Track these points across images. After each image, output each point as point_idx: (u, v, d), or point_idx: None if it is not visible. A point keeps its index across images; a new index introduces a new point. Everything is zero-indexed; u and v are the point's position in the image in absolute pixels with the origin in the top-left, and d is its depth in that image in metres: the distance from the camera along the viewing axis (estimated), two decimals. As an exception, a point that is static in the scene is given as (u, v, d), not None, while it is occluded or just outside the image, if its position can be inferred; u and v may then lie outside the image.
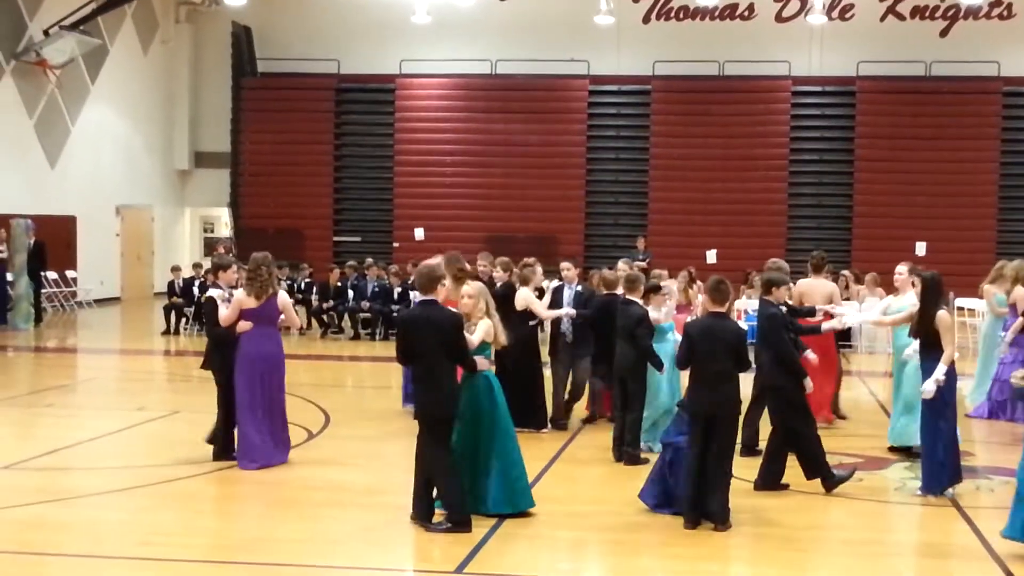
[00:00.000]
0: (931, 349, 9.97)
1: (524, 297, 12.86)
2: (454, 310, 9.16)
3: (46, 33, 26.79)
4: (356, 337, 22.44)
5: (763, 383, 10.64)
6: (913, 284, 10.51)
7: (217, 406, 11.12)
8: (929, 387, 9.84)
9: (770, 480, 10.17)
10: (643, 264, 24.63)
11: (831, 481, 10.08)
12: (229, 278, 11.35)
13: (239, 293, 10.93)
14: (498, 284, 13.76)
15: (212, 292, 11.21)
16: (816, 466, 10.11)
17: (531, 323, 12.83)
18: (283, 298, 11.13)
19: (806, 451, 10.13)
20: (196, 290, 22.89)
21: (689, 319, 11.42)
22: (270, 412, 10.89)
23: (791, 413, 10.09)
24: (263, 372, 10.83)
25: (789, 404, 10.10)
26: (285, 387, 11.13)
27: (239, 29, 32.87)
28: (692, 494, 8.94)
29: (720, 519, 8.87)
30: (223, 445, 11.08)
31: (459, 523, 8.71)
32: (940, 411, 9.92)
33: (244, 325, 10.82)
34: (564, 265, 13.60)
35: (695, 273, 22.77)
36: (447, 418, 8.81)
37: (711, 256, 29.66)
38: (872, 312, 11.70)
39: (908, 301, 11.22)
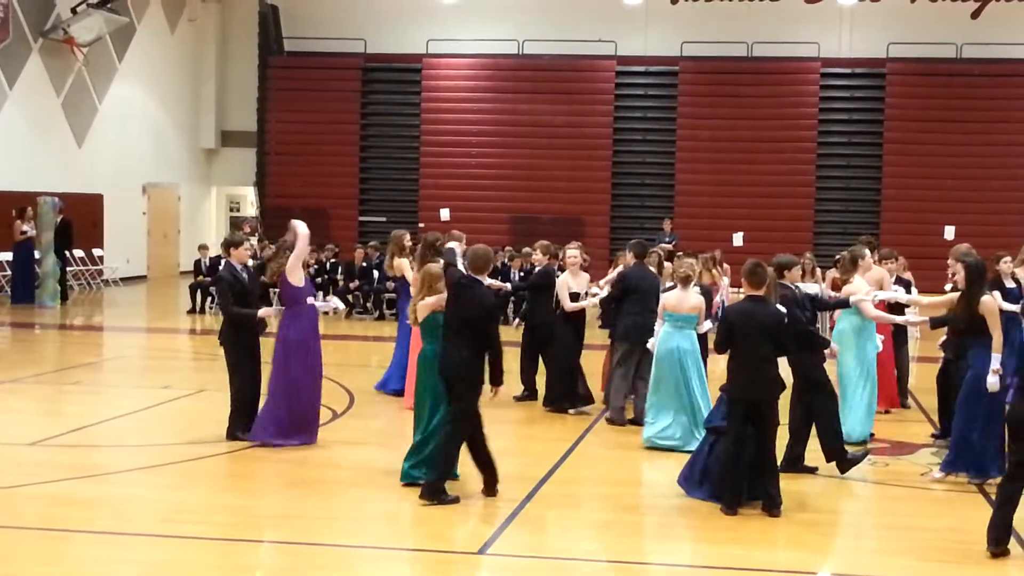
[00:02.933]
0: (977, 336, 9.77)
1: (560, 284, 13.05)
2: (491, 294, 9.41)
3: (74, 11, 26.84)
4: (381, 317, 22.43)
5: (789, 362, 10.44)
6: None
7: (230, 385, 11.05)
8: (992, 380, 9.54)
9: (794, 462, 10.07)
10: (669, 246, 24.60)
11: (845, 463, 9.99)
12: (242, 256, 11.11)
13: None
14: (537, 269, 13.83)
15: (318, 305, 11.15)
16: (833, 446, 10.02)
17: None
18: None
19: (824, 429, 10.05)
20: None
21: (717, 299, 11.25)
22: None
23: (809, 389, 10.00)
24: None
25: (807, 380, 10.00)
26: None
27: (266, 8, 32.86)
28: (733, 478, 8.88)
29: (776, 503, 8.84)
30: (244, 424, 10.98)
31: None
32: (980, 396, 9.76)
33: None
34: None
35: (719, 257, 22.78)
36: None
37: (738, 239, 29.52)
38: (909, 296, 11.46)
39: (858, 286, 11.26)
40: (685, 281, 11.18)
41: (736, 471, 8.89)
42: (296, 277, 10.71)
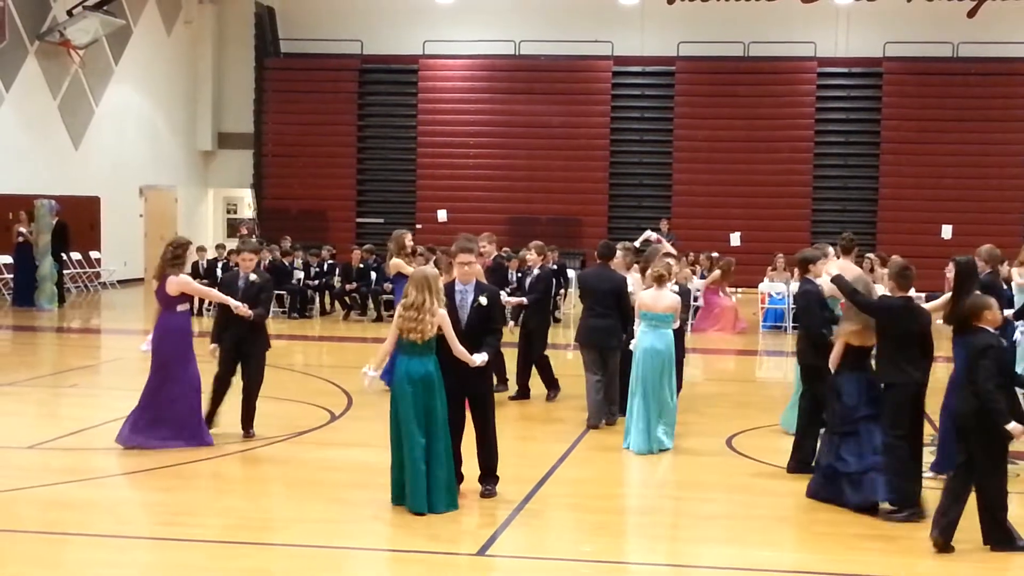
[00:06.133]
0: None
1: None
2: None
3: (70, 13, 26.83)
4: (379, 319, 22.41)
5: (799, 361, 10.43)
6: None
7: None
8: None
9: (802, 463, 10.04)
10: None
11: None
12: (241, 263, 11.48)
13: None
14: (535, 269, 13.70)
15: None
16: None
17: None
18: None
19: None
20: (220, 271, 22.92)
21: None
22: None
23: (823, 390, 9.86)
24: None
25: (822, 381, 9.78)
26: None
27: (262, 9, 32.86)
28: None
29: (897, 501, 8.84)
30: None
31: None
32: None
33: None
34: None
35: (715, 258, 22.75)
36: None
37: (735, 239, 29.53)
38: None
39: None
40: (660, 280, 11.15)
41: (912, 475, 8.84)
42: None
